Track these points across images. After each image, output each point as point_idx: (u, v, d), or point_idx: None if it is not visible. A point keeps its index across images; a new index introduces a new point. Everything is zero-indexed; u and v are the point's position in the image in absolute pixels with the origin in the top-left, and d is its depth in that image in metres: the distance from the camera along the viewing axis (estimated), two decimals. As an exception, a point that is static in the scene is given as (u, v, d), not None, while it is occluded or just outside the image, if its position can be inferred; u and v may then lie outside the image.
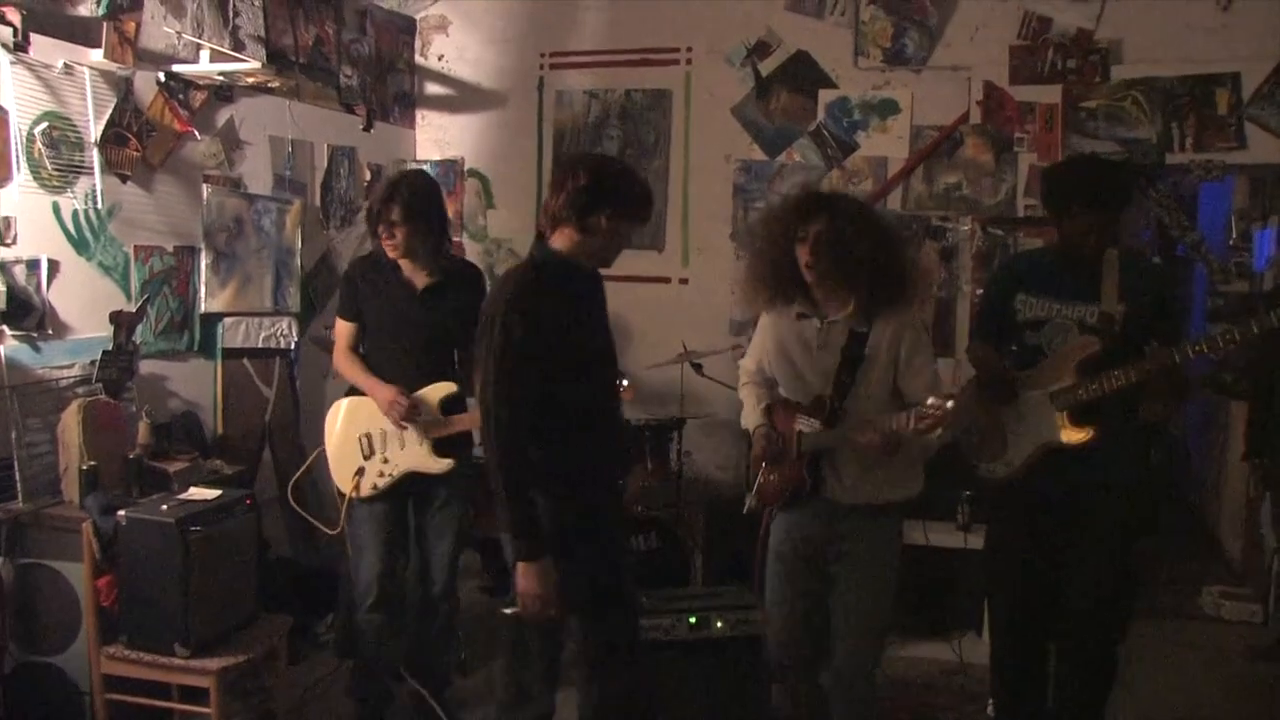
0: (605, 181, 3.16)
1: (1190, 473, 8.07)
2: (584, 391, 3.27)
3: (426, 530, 4.25)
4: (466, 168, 6.95)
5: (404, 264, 4.15)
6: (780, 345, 3.56)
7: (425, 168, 6.89)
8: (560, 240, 3.22)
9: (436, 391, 4.14)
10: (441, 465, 4.13)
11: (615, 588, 3.35)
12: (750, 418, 3.67)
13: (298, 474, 4.42)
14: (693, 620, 4.11)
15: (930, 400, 3.15)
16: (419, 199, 4.07)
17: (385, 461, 4.14)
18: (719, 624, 4.12)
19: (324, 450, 4.30)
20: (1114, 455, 3.69)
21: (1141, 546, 4.06)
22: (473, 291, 4.16)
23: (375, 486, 4.15)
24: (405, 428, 4.10)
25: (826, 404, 3.40)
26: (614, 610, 3.35)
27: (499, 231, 6.89)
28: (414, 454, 4.15)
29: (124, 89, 4.61)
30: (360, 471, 4.15)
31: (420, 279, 4.16)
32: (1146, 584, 5.89)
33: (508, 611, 3.23)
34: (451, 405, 4.16)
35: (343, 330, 4.29)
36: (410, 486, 4.20)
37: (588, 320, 3.33)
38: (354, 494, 4.13)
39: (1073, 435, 3.67)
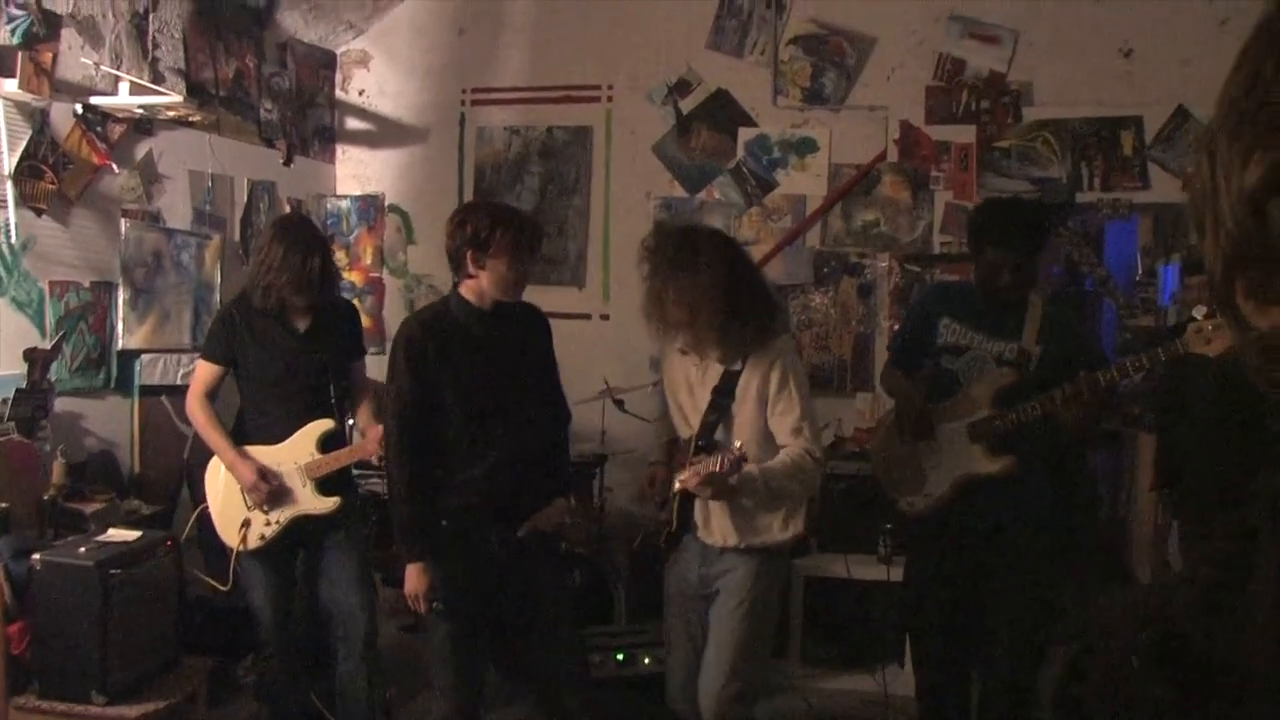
0: (468, 223, 3.40)
1: (1098, 498, 8.23)
2: (474, 427, 3.47)
3: (327, 575, 4.12)
4: (387, 203, 6.91)
5: (295, 310, 4.04)
6: (671, 381, 3.58)
7: (345, 202, 6.85)
8: (464, 285, 3.49)
9: (315, 430, 4.03)
10: (328, 504, 4.03)
11: (524, 613, 3.57)
12: (652, 453, 3.72)
13: (185, 531, 4.24)
14: (620, 657, 4.11)
15: (735, 443, 3.14)
16: (329, 248, 4.17)
17: (270, 510, 4.02)
18: (646, 660, 4.13)
19: (206, 507, 4.15)
20: (1032, 486, 3.78)
21: (1060, 573, 4.14)
22: (348, 327, 4.25)
23: (263, 537, 4.02)
24: (265, 509, 4.01)
25: (692, 446, 3.39)
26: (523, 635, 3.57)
27: (419, 267, 6.85)
28: (299, 498, 4.03)
29: (40, 120, 4.52)
30: (246, 523, 4.02)
31: (302, 322, 4.06)
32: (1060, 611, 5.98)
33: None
34: (330, 441, 4.06)
35: (206, 374, 4.07)
36: (300, 534, 4.08)
37: (491, 359, 3.49)
38: (241, 546, 4.00)
39: (990, 466, 3.74)
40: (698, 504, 3.37)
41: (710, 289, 3.24)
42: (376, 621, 4.18)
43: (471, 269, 3.43)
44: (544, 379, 3.68)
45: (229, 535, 4.03)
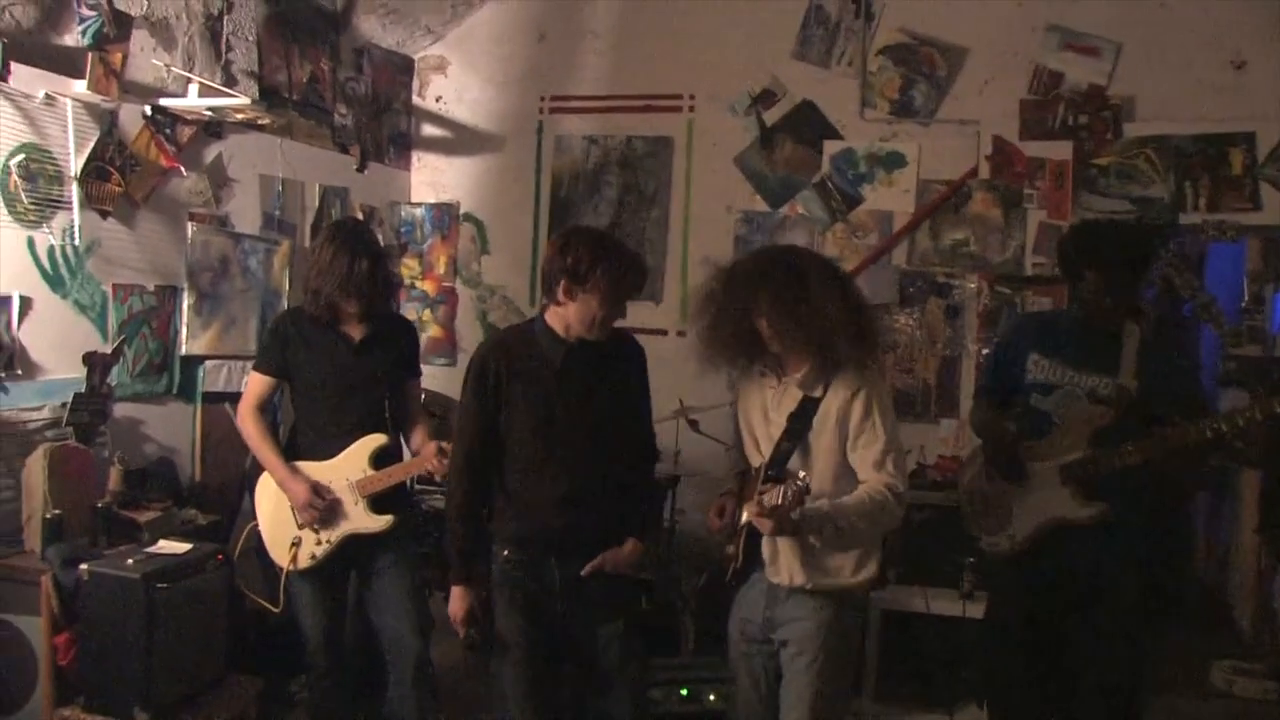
0: (569, 251, 3.21)
1: (1195, 541, 7.88)
2: (543, 457, 3.31)
3: (377, 598, 3.95)
4: (462, 212, 6.80)
5: (347, 318, 3.90)
6: (745, 406, 3.32)
7: (419, 210, 6.76)
8: (550, 311, 3.33)
9: (367, 446, 3.88)
10: (380, 523, 3.86)
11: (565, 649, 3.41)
12: (724, 483, 3.46)
13: (237, 548, 4.11)
14: (684, 692, 3.91)
15: (800, 473, 2.90)
16: (384, 253, 4.00)
17: (321, 529, 3.87)
18: (712, 696, 3.91)
19: (256, 525, 4.01)
20: (1126, 532, 3.52)
21: (1154, 623, 3.86)
22: (405, 343, 4.09)
23: (314, 556, 3.86)
24: (316, 528, 3.86)
25: (760, 475, 3.13)
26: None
27: (493, 278, 6.74)
28: (351, 516, 3.88)
29: (108, 122, 4.47)
30: (297, 543, 3.87)
31: (357, 331, 3.91)
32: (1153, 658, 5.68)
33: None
34: (383, 458, 3.90)
35: (258, 386, 3.97)
36: (352, 553, 3.92)
37: (568, 390, 3.30)
38: (291, 566, 3.85)
39: (1081, 512, 3.50)
40: (765, 539, 3.12)
41: (840, 300, 3.06)
42: (428, 645, 4.00)
43: (561, 298, 3.24)
44: (630, 415, 3.45)
45: (279, 554, 3.88)
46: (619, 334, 3.44)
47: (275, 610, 3.89)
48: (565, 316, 3.27)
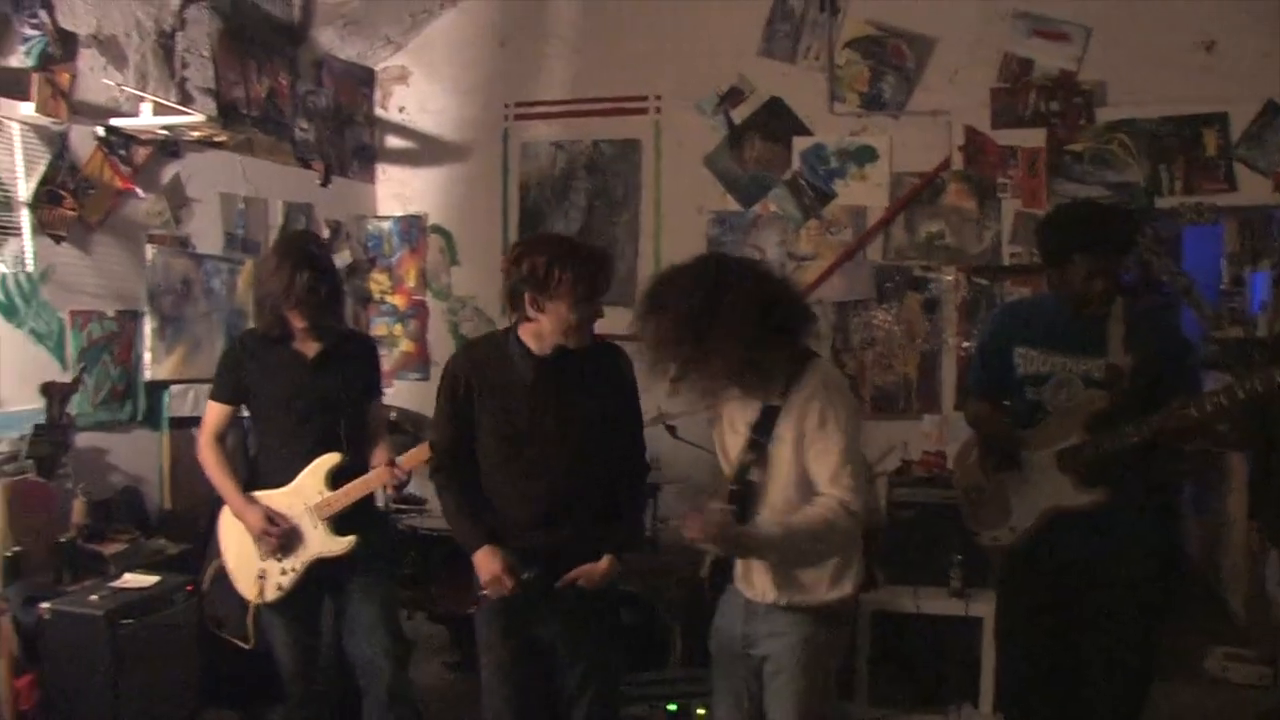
0: (524, 259, 3.11)
1: (1184, 527, 7.83)
2: (516, 471, 3.24)
3: (348, 622, 3.81)
4: (429, 223, 6.69)
5: (299, 334, 3.76)
6: (718, 416, 3.16)
7: (386, 224, 6.65)
8: (523, 328, 3.22)
9: (322, 466, 3.72)
10: (342, 544, 3.70)
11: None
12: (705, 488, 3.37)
13: (203, 587, 4.00)
14: (672, 708, 3.81)
15: (715, 505, 2.81)
16: (332, 268, 3.82)
17: (283, 557, 3.73)
18: (700, 711, 3.82)
19: (221, 562, 3.86)
20: (1129, 519, 3.44)
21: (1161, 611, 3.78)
22: (364, 361, 3.93)
23: (280, 587, 3.73)
24: (278, 557, 3.73)
25: (728, 491, 2.98)
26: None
27: (464, 289, 6.63)
28: (311, 540, 3.72)
29: (59, 144, 4.37)
30: (262, 575, 3.74)
31: (310, 349, 3.76)
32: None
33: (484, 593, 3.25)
34: (341, 477, 3.75)
35: (214, 414, 3.82)
36: (321, 579, 3.78)
37: (542, 407, 3.20)
38: (259, 599, 3.72)
39: (1081, 498, 3.42)
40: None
41: (680, 321, 2.82)
42: (403, 668, 3.88)
43: (531, 311, 3.12)
44: (613, 428, 3.32)
45: (246, 588, 3.75)
46: (599, 341, 3.32)
47: (246, 646, 3.76)
48: (539, 330, 3.16)
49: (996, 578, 3.97)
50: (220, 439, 3.81)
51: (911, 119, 5.83)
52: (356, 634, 3.77)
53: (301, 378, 3.74)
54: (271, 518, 3.68)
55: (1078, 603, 3.53)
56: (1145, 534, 3.50)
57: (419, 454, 3.58)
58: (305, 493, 3.72)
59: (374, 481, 3.73)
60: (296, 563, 3.71)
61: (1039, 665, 3.66)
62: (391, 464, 3.65)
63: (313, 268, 3.63)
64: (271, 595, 3.71)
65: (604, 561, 3.23)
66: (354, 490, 3.72)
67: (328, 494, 3.70)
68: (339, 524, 3.72)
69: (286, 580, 3.71)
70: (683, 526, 3.07)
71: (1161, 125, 5.47)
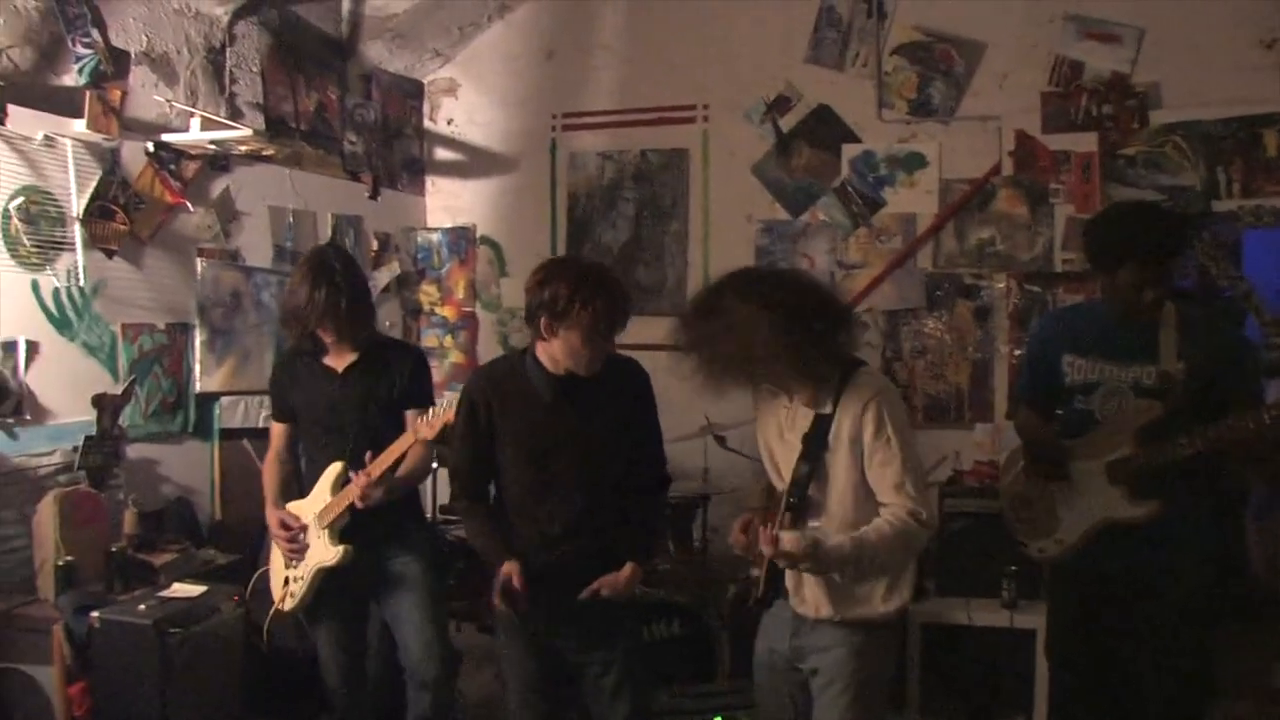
0: (547, 286, 3.10)
1: (1245, 535, 7.64)
2: (536, 490, 3.25)
3: (392, 634, 3.82)
4: (478, 235, 6.71)
5: (331, 347, 3.75)
6: (762, 425, 3.13)
7: (435, 235, 6.68)
8: (539, 346, 3.23)
9: (329, 475, 3.69)
10: (334, 554, 3.62)
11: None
12: (749, 497, 3.31)
13: (246, 593, 3.96)
14: (717, 720, 3.77)
15: (812, 524, 2.78)
16: (355, 281, 3.72)
17: (297, 565, 3.72)
18: (744, 722, 3.77)
19: (265, 570, 3.91)
20: (1183, 533, 3.35)
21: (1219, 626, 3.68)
22: (398, 371, 3.77)
23: (293, 595, 3.72)
24: (293, 565, 3.73)
25: (783, 503, 2.94)
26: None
27: (513, 300, 6.61)
28: (315, 549, 3.69)
29: (110, 160, 4.42)
30: (286, 581, 3.75)
31: (344, 360, 3.75)
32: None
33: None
34: (346, 484, 3.67)
35: (275, 433, 3.92)
36: (369, 588, 3.77)
37: (560, 425, 3.21)
38: (280, 605, 3.72)
39: (1132, 511, 3.33)
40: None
41: (765, 351, 2.81)
42: (444, 681, 3.81)
43: (544, 334, 3.14)
44: (632, 443, 3.33)
45: (275, 594, 3.77)
46: (622, 360, 3.34)
47: (262, 648, 3.80)
48: (551, 352, 3.18)
49: (1045, 589, 3.89)
50: (281, 458, 3.88)
51: (961, 125, 5.76)
52: (399, 646, 3.76)
53: (330, 390, 3.74)
54: (283, 522, 3.70)
55: (1129, 614, 3.45)
56: (1201, 542, 3.41)
57: (385, 459, 3.51)
58: (317, 501, 3.72)
59: (351, 492, 3.58)
60: (304, 570, 3.70)
61: (1088, 679, 3.58)
62: (369, 475, 3.52)
63: (331, 282, 3.60)
64: (289, 604, 3.71)
65: (626, 569, 3.21)
66: (337, 501, 3.63)
67: (329, 500, 3.67)
68: (345, 530, 3.66)
69: (297, 589, 3.70)
70: (736, 541, 3.05)
71: (1219, 126, 5.33)
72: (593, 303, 3.05)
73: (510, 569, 3.13)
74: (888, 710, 3.19)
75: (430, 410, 3.52)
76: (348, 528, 3.64)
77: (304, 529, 3.70)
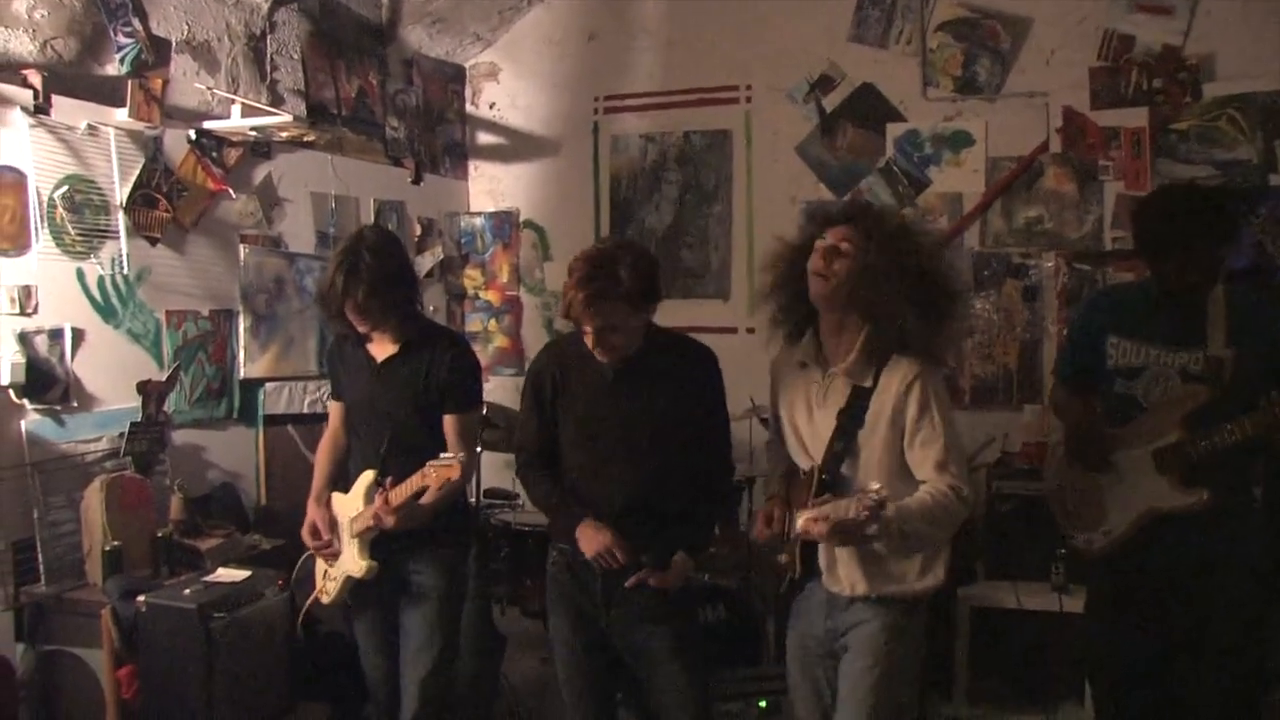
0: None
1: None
2: (592, 467, 3.24)
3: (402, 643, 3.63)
4: (522, 219, 6.71)
5: (373, 335, 3.58)
6: (787, 401, 3.06)
7: (479, 220, 6.68)
8: None
9: (363, 481, 3.53)
10: (359, 568, 3.47)
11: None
12: (769, 484, 3.22)
13: (291, 578, 3.91)
14: (763, 704, 3.74)
15: (873, 485, 2.65)
16: (384, 267, 3.43)
17: (331, 565, 3.62)
18: (761, 704, 3.74)
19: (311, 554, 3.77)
20: (1233, 523, 3.26)
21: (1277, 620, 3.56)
22: (437, 367, 3.53)
23: (327, 592, 3.61)
24: (330, 563, 3.62)
25: (815, 479, 2.87)
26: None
27: (556, 284, 6.54)
28: (346, 556, 3.55)
29: (153, 148, 4.45)
30: (324, 574, 3.66)
31: (385, 350, 3.56)
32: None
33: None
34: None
35: (332, 411, 3.79)
36: (390, 589, 3.59)
37: (621, 404, 3.20)
38: (318, 596, 3.66)
39: (1181, 500, 3.24)
40: (822, 547, 2.90)
41: (927, 279, 2.82)
42: (432, 703, 3.58)
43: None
44: (694, 426, 3.24)
45: (317, 582, 3.71)
46: (684, 340, 3.31)
47: (298, 634, 3.80)
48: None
49: (1089, 580, 3.78)
50: (340, 434, 3.74)
51: (1007, 102, 5.66)
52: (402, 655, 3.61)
53: (368, 383, 3.58)
54: (313, 528, 3.59)
55: (1177, 614, 3.35)
56: (1253, 529, 3.32)
57: (403, 490, 3.34)
58: (349, 505, 3.57)
59: (371, 512, 3.44)
60: (338, 572, 3.59)
61: (1135, 669, 3.49)
62: (387, 502, 3.36)
63: (351, 268, 3.38)
64: (325, 598, 3.63)
65: (676, 559, 3.18)
66: (366, 512, 3.48)
67: (362, 509, 3.51)
68: (375, 543, 3.51)
69: (331, 587, 3.60)
70: (759, 535, 3.01)
71: (1275, 98, 5.19)
72: (574, 288, 3.04)
73: (595, 531, 3.12)
74: (918, 689, 3.13)
75: (442, 456, 3.30)
76: (377, 539, 3.50)
77: (336, 531, 3.58)
